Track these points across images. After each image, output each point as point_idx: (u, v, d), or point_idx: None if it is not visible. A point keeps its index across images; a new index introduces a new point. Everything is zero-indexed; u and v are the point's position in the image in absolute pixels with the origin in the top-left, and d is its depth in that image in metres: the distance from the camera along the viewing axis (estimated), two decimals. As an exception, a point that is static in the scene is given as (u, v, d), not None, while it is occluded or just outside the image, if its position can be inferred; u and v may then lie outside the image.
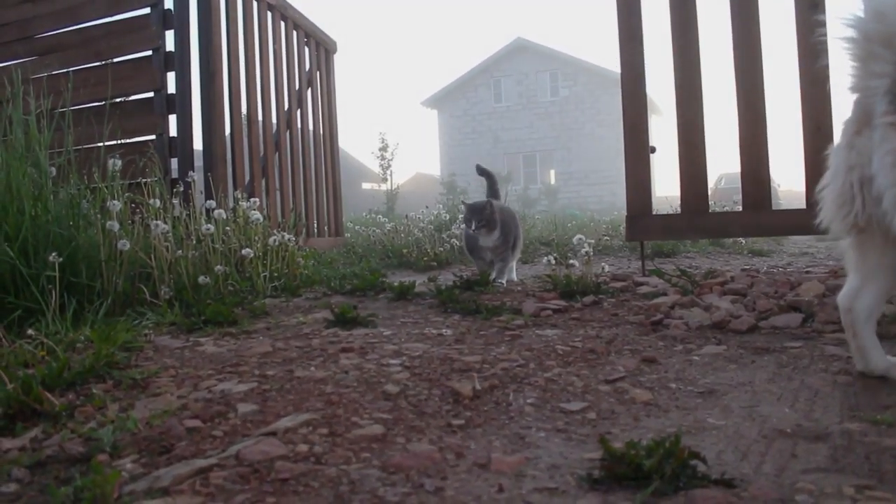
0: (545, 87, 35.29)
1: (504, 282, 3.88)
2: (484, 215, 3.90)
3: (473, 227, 3.84)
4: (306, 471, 1.40)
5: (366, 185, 32.92)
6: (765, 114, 3.94)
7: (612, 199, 31.86)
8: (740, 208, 4.18)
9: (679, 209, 4.30)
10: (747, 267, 4.94)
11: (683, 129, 4.05)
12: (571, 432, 1.68)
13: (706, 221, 4.11)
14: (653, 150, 4.18)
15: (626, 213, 4.30)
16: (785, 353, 2.37)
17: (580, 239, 3.80)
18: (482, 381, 2.01)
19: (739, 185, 4.07)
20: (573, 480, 1.37)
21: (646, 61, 4.16)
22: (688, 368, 2.21)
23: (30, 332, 2.48)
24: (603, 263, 3.94)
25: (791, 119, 3.95)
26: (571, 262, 3.73)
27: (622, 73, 4.20)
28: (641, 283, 3.82)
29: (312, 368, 2.18)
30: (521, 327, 2.83)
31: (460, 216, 4.36)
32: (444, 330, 2.79)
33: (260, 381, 2.04)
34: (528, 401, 1.90)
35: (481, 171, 4.82)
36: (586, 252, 3.66)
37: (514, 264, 4.47)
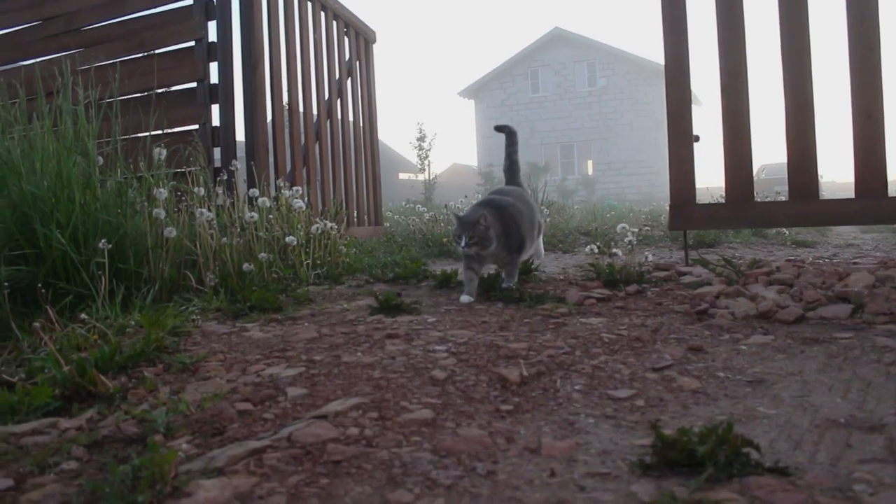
0: (583, 77, 35.05)
1: (513, 285, 3.36)
2: (477, 231, 3.21)
3: (464, 244, 3.22)
4: (358, 453, 1.42)
5: (403, 176, 33.03)
6: (813, 100, 3.87)
7: (650, 189, 31.62)
8: (783, 198, 4.12)
9: (722, 199, 4.24)
10: (792, 258, 4.87)
11: (728, 116, 3.99)
12: (620, 419, 1.67)
13: (751, 211, 4.05)
14: (696, 138, 4.12)
15: (668, 203, 4.25)
16: (835, 343, 2.33)
17: (624, 228, 3.77)
18: (529, 368, 2.00)
19: (781, 175, 4.03)
20: (625, 466, 1.37)
21: (689, 49, 4.10)
22: (735, 358, 2.19)
23: (83, 316, 2.53)
24: (646, 252, 3.90)
25: (835, 106, 3.87)
26: (614, 251, 3.70)
27: (666, 61, 4.15)
28: (685, 273, 3.78)
29: (359, 354, 2.20)
30: (565, 315, 2.82)
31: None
32: (487, 317, 2.80)
33: (308, 366, 2.07)
34: (576, 387, 1.89)
35: (499, 128, 4.24)
36: (630, 241, 3.63)
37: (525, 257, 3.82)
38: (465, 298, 3.23)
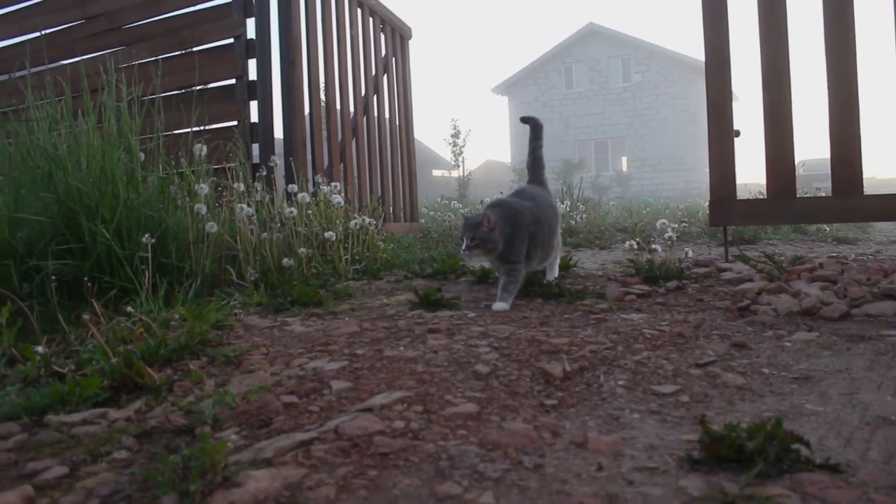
0: (617, 72, 34.80)
1: (507, 304, 2.91)
2: (479, 232, 2.90)
3: (464, 247, 2.91)
4: (405, 446, 1.42)
5: (436, 173, 33.04)
6: (857, 92, 3.80)
7: (686, 186, 31.32)
8: (823, 194, 4.05)
9: (761, 194, 4.19)
10: (834, 254, 4.80)
11: (770, 110, 3.94)
12: (665, 414, 1.66)
13: (793, 206, 3.99)
14: (737, 133, 4.08)
15: (705, 199, 4.21)
16: (882, 341, 2.29)
17: (663, 223, 3.74)
18: (571, 363, 2.00)
19: (821, 171, 3.96)
20: (672, 461, 1.36)
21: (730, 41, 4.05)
22: (780, 354, 2.16)
23: (129, 309, 2.57)
24: (686, 248, 3.87)
25: (879, 101, 3.80)
26: (653, 246, 3.68)
27: (706, 55, 4.10)
28: (725, 269, 3.75)
29: (401, 348, 2.21)
30: (605, 311, 2.81)
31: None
32: (527, 313, 2.79)
33: (350, 360, 2.08)
34: (619, 383, 1.89)
35: (525, 120, 3.83)
36: (670, 237, 3.61)
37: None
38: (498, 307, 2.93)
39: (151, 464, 1.48)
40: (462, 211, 3.25)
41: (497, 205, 3.23)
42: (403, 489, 1.25)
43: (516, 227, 3.02)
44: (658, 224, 3.85)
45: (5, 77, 4.17)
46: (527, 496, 1.22)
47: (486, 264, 3.26)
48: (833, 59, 3.81)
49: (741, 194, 4.25)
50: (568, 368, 1.95)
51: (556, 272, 3.57)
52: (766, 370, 1.99)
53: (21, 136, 3.33)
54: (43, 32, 4.96)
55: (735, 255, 3.60)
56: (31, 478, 1.46)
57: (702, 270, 3.71)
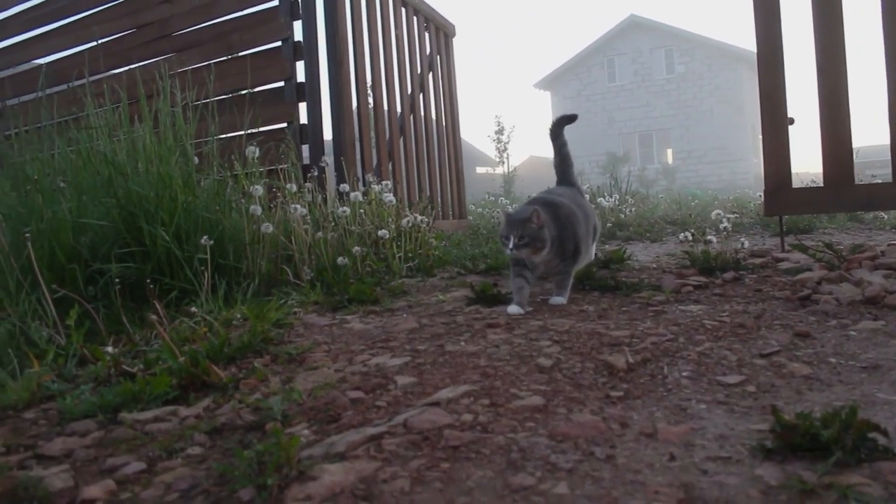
0: (660, 64, 34.41)
1: (565, 299, 2.83)
2: (527, 230, 2.69)
3: (511, 246, 2.68)
4: (475, 439, 1.43)
5: (480, 170, 33.02)
6: (919, 77, 3.71)
7: (732, 177, 30.85)
8: (879, 181, 3.96)
9: (813, 182, 4.12)
10: (895, 242, 4.70)
11: (826, 96, 3.86)
12: (733, 404, 1.65)
13: (852, 194, 3.91)
14: (791, 121, 4.01)
15: (753, 190, 4.14)
16: (952, 328, 2.24)
17: (719, 214, 3.70)
18: (634, 355, 1.99)
19: (876, 158, 3.87)
20: (745, 450, 1.35)
21: (783, 29, 3.98)
22: (845, 343, 2.13)
23: (192, 309, 2.62)
24: (742, 239, 3.81)
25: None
26: (708, 237, 3.63)
27: (758, 43, 4.03)
28: (781, 259, 3.69)
29: (462, 343, 2.22)
30: (662, 303, 2.79)
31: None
32: (585, 306, 2.79)
33: (413, 356, 2.10)
34: (683, 374, 1.88)
35: (562, 121, 3.55)
36: (725, 227, 3.56)
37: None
38: (513, 309, 2.69)
39: (225, 459, 1.51)
40: (506, 207, 3.22)
41: (540, 201, 2.98)
42: (477, 481, 1.26)
43: (563, 223, 2.85)
44: (713, 215, 3.80)
45: (64, 87, 4.28)
46: (601, 486, 1.22)
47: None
48: (891, 42, 3.72)
49: (794, 183, 4.17)
50: (631, 360, 1.94)
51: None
52: (832, 359, 1.96)
53: (82, 143, 3.42)
54: (98, 42, 5.06)
55: (792, 245, 3.54)
56: (111, 472, 1.51)
57: (758, 261, 3.66)
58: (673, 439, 1.42)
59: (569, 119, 3.58)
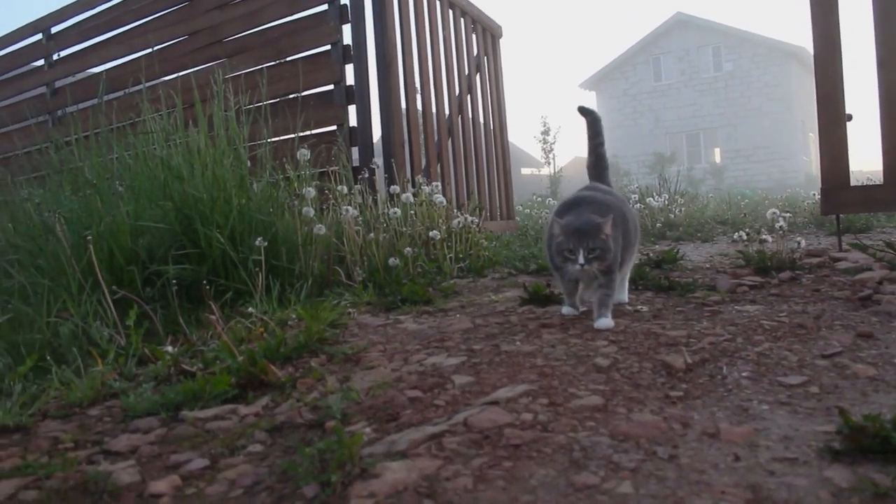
0: (708, 62, 33.96)
1: (611, 320, 2.39)
2: (599, 241, 2.33)
3: (581, 262, 2.31)
4: (535, 438, 1.43)
5: (525, 171, 32.91)
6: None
7: (782, 176, 30.30)
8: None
9: (869, 180, 4.02)
10: (956, 240, 4.57)
11: (887, 91, 3.77)
12: (796, 405, 1.62)
13: (914, 191, 3.81)
14: (849, 117, 3.93)
15: (807, 189, 4.06)
16: None
17: (774, 213, 3.63)
18: (692, 355, 1.97)
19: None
20: (811, 452, 1.33)
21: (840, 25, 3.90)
22: (910, 344, 2.08)
23: (250, 310, 2.66)
24: (799, 238, 3.75)
25: None
26: (763, 237, 3.58)
27: (815, 41, 3.95)
28: (839, 259, 3.62)
29: (518, 343, 2.22)
30: (718, 303, 2.75)
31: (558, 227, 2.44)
32: (639, 306, 2.76)
33: (468, 355, 2.10)
34: (743, 374, 1.85)
35: (583, 111, 3.12)
36: (781, 226, 3.50)
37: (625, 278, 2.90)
38: (567, 310, 2.59)
39: (287, 456, 1.53)
40: (555, 215, 2.56)
41: (585, 202, 2.58)
42: (540, 479, 1.26)
43: (617, 227, 2.49)
44: (768, 214, 3.73)
45: (121, 93, 4.37)
46: (666, 486, 1.21)
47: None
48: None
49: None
50: (689, 360, 1.92)
51: (626, 294, 2.90)
52: (898, 360, 1.92)
53: (139, 147, 3.49)
54: (153, 49, 5.17)
55: (851, 244, 3.47)
56: (175, 469, 1.54)
57: (814, 261, 3.59)
58: (736, 440, 1.40)
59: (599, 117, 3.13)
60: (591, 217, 2.39)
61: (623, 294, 2.84)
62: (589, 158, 3.09)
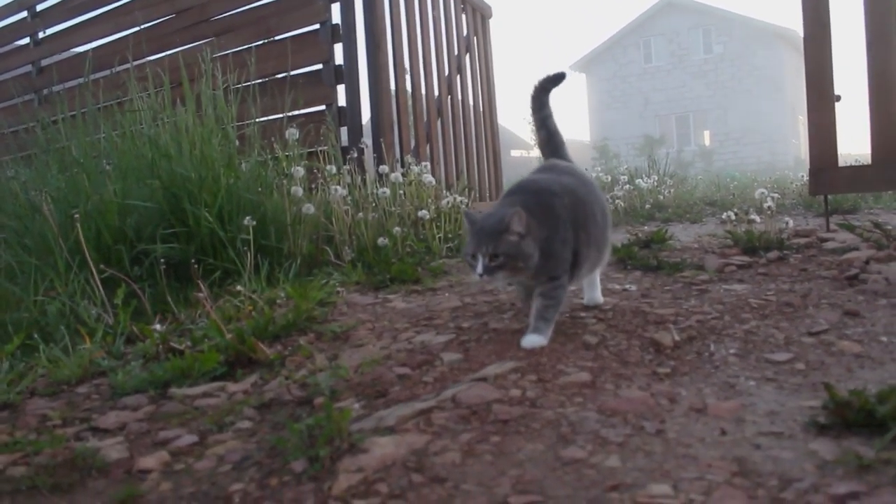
0: (698, 44, 33.89)
1: (544, 338, 1.90)
2: (503, 245, 1.84)
3: (479, 271, 1.85)
4: (524, 413, 1.44)
5: (514, 153, 32.87)
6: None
7: (772, 158, 30.35)
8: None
9: (857, 162, 4.04)
10: (943, 221, 4.60)
11: (875, 71, 3.78)
12: (782, 381, 1.64)
13: (902, 171, 3.83)
14: (838, 98, 3.93)
15: (792, 170, 4.07)
16: None
17: (762, 193, 3.64)
18: (679, 333, 1.98)
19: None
20: (797, 426, 1.34)
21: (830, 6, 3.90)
22: (896, 322, 2.10)
23: (238, 288, 2.65)
24: (787, 219, 3.76)
25: None
26: (752, 217, 3.59)
27: (805, 19, 3.95)
28: (827, 239, 3.63)
29: (506, 321, 2.22)
30: (706, 282, 2.76)
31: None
32: (627, 285, 2.77)
33: (457, 333, 2.10)
34: (731, 351, 1.86)
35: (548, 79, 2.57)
36: (769, 206, 3.51)
37: (595, 279, 2.38)
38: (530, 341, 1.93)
39: (275, 433, 1.53)
40: (466, 214, 2.05)
41: (521, 191, 2.10)
42: (528, 454, 1.27)
43: (554, 223, 1.94)
44: (757, 193, 3.75)
45: (108, 72, 4.33)
46: (653, 460, 1.22)
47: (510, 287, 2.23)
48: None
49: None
50: (677, 338, 1.93)
51: (598, 293, 2.40)
52: (884, 338, 1.94)
53: (126, 126, 3.47)
54: (140, 27, 5.11)
55: (839, 224, 3.49)
56: (164, 445, 1.54)
57: (802, 241, 3.61)
58: (723, 415, 1.42)
59: (554, 81, 2.54)
60: (494, 214, 1.93)
61: (595, 292, 2.37)
62: (539, 135, 2.56)
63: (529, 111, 2.59)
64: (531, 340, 1.87)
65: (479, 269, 1.84)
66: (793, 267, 3.01)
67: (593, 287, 2.36)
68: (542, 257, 1.89)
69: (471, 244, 1.89)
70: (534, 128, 2.55)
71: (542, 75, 2.54)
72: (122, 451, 1.52)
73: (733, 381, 1.64)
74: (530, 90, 2.55)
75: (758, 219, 3.57)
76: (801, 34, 4.05)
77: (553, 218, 1.94)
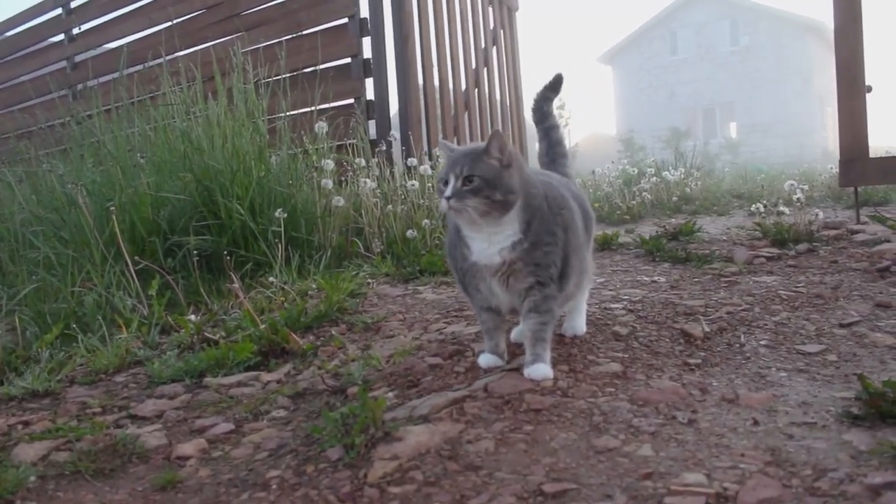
0: (724, 35, 33.51)
1: (548, 365, 1.61)
2: (479, 167, 1.58)
3: (449, 193, 1.58)
4: (556, 403, 1.45)
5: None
6: None
7: (799, 151, 29.95)
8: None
9: (888, 153, 3.99)
10: (976, 214, 4.54)
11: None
12: (814, 373, 1.64)
13: (935, 162, 3.79)
14: (869, 89, 3.89)
15: (823, 164, 4.02)
16: None
17: (792, 185, 3.62)
18: (709, 324, 1.98)
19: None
20: (830, 417, 1.34)
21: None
22: (929, 314, 2.09)
23: (271, 279, 2.69)
24: (816, 210, 3.73)
25: None
26: (781, 209, 3.56)
27: (836, 10, 3.91)
28: (857, 231, 3.60)
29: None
30: (735, 274, 2.75)
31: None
32: (656, 277, 2.77)
33: (507, 324, 2.12)
34: (761, 342, 1.86)
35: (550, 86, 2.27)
36: (798, 198, 3.49)
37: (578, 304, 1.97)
38: (485, 361, 1.73)
39: (310, 421, 1.56)
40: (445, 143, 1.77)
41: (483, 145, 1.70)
42: (561, 442, 1.28)
43: (552, 213, 1.67)
44: (786, 185, 3.72)
45: (141, 67, 4.39)
46: (686, 449, 1.23)
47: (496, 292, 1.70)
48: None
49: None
50: (707, 329, 1.94)
51: (582, 321, 1.98)
52: (917, 330, 1.93)
53: (159, 120, 3.51)
54: (173, 22, 5.16)
55: (870, 216, 3.46)
56: (201, 432, 1.57)
57: (832, 233, 3.58)
58: (755, 405, 1.42)
59: (553, 88, 2.27)
60: (475, 145, 1.68)
61: (580, 319, 1.97)
62: (540, 145, 2.26)
63: (532, 121, 2.32)
64: (539, 371, 1.60)
65: (448, 191, 1.58)
66: (823, 259, 2.99)
67: (579, 313, 1.98)
68: (531, 245, 1.61)
69: (444, 169, 1.65)
70: (537, 138, 2.27)
71: (543, 83, 2.27)
72: (161, 439, 1.55)
73: (764, 372, 1.64)
74: (532, 100, 2.28)
75: (787, 211, 3.54)
76: (829, 26, 4.01)
77: (551, 208, 1.67)
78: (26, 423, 1.71)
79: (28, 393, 1.96)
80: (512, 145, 1.62)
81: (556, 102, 2.36)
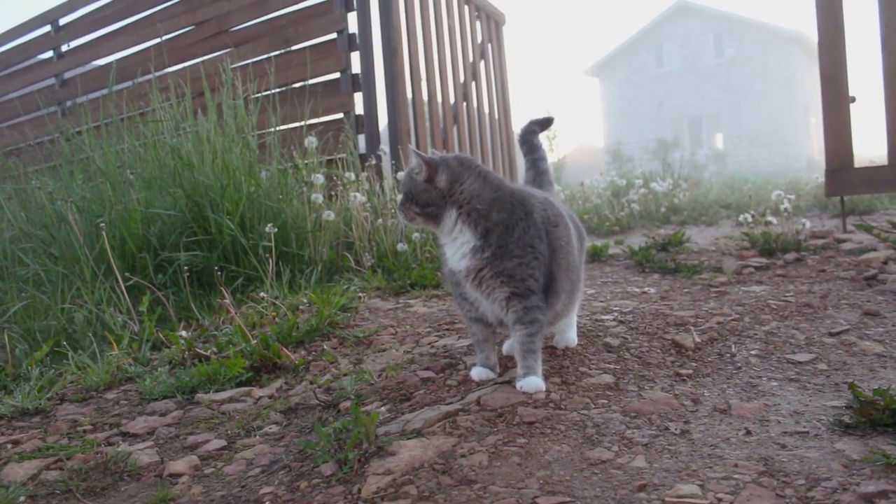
0: (709, 48, 33.76)
1: (539, 378, 1.60)
2: (407, 183, 1.71)
3: (400, 202, 1.72)
4: (549, 415, 1.45)
5: (528, 159, 32.70)
6: None
7: (785, 161, 30.15)
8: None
9: (872, 163, 4.02)
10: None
11: (890, 72, 3.77)
12: (804, 382, 1.65)
13: (919, 171, 3.81)
14: (853, 99, 3.92)
15: (824, 168, 4.04)
16: None
17: (779, 194, 3.64)
18: (700, 334, 1.99)
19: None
20: (822, 426, 1.35)
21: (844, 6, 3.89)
22: (918, 323, 2.10)
23: (262, 294, 2.68)
24: (803, 220, 3.75)
25: None
26: (769, 219, 3.58)
27: (819, 21, 3.95)
28: (843, 240, 3.62)
29: (528, 324, 2.23)
30: (724, 284, 2.77)
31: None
32: (646, 288, 2.78)
33: (497, 338, 2.12)
34: (752, 352, 1.87)
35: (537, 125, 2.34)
36: (786, 208, 3.51)
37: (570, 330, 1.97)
38: (478, 374, 1.73)
39: (303, 436, 1.55)
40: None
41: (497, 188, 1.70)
42: (555, 455, 1.28)
43: (522, 222, 1.65)
44: (773, 195, 3.74)
45: (130, 83, 4.38)
46: (679, 460, 1.23)
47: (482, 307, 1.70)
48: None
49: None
50: (698, 339, 1.94)
51: (573, 333, 1.97)
52: (905, 338, 1.94)
53: (149, 136, 3.51)
54: (162, 39, 5.16)
55: (856, 225, 3.47)
56: (193, 449, 1.57)
57: (819, 242, 3.60)
58: (747, 415, 1.43)
59: (542, 124, 2.34)
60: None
61: (572, 332, 1.96)
62: (527, 174, 2.25)
63: (521, 152, 2.32)
64: (531, 384, 1.59)
65: (400, 200, 1.72)
66: (811, 268, 3.01)
67: (570, 326, 1.96)
68: (495, 254, 1.60)
69: (406, 179, 1.74)
70: (525, 167, 2.28)
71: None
72: (153, 456, 1.54)
73: (756, 382, 1.65)
74: (518, 132, 2.32)
75: (774, 220, 3.56)
76: (813, 37, 4.04)
77: (521, 215, 1.64)
78: (16, 442, 1.70)
79: (18, 411, 1.95)
80: (442, 168, 1.66)
81: (542, 115, 2.39)
